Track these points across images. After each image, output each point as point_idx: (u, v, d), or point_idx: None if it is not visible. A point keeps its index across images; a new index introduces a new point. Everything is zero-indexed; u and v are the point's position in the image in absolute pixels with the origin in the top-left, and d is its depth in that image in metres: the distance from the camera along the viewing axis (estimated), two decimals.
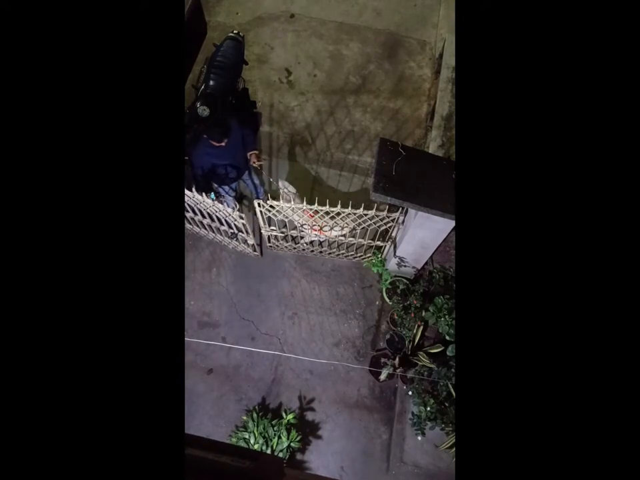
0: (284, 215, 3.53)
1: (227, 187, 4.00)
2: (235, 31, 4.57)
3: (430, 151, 4.42)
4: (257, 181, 4.30)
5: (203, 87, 4.32)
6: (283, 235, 4.02)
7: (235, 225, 3.65)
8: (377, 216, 3.41)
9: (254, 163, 3.88)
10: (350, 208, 3.33)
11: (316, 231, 3.82)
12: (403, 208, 3.24)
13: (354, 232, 3.73)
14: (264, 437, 3.51)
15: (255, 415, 3.65)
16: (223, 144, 3.49)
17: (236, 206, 4.39)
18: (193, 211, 3.75)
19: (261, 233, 4.10)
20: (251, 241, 4.00)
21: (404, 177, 2.92)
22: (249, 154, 3.84)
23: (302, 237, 4.10)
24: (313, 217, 3.63)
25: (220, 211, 3.46)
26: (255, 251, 4.25)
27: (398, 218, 3.44)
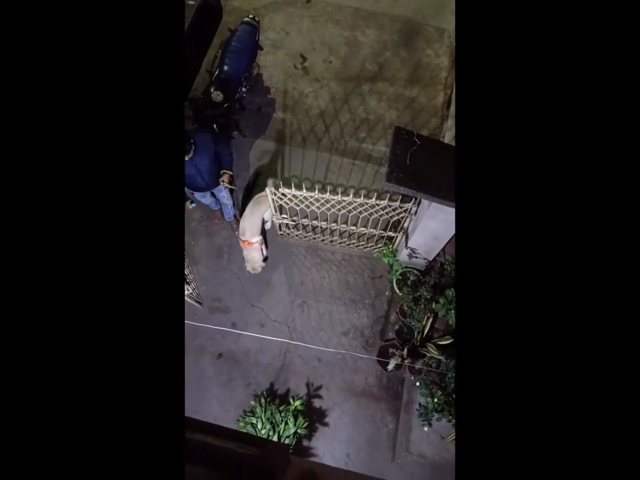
0: (295, 203, 3.52)
1: (199, 193, 3.91)
2: (250, 16, 4.54)
3: (446, 141, 4.36)
4: (228, 200, 4.17)
5: (217, 71, 4.30)
6: (294, 223, 4.02)
7: None
8: (390, 206, 3.38)
9: (223, 182, 3.76)
10: (362, 198, 3.30)
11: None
12: (416, 198, 3.21)
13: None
14: (271, 423, 3.55)
15: (262, 401, 3.69)
16: (186, 158, 3.32)
17: (217, 205, 4.31)
18: None
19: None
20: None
21: (418, 167, 2.88)
22: (221, 172, 3.73)
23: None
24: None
25: None
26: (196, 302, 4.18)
27: (410, 208, 3.41)
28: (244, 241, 4.02)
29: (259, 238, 4.07)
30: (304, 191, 3.37)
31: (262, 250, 4.16)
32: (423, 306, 3.72)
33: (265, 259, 4.28)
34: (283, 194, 3.43)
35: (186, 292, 3.79)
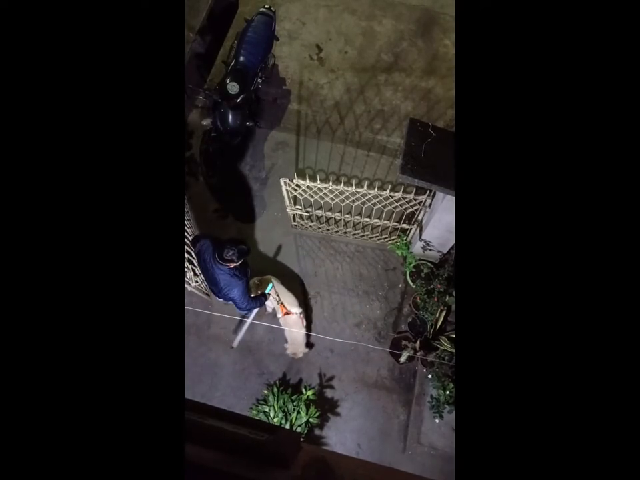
0: (309, 194, 3.53)
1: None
2: (266, 6, 4.52)
3: None
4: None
5: (233, 62, 4.30)
6: (308, 214, 4.03)
7: None
8: (404, 198, 3.37)
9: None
10: (376, 189, 3.29)
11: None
12: (430, 191, 3.19)
13: None
14: (283, 411, 3.59)
15: (275, 390, 3.73)
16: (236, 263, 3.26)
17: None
18: None
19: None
20: (188, 287, 3.78)
21: (433, 159, 2.86)
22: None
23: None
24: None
25: None
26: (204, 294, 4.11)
27: (425, 201, 3.39)
28: (282, 309, 3.83)
29: (298, 310, 3.88)
30: (318, 182, 3.37)
31: (303, 325, 3.91)
32: (436, 299, 3.70)
33: (310, 346, 4.04)
34: (297, 185, 3.44)
35: (193, 284, 3.79)
